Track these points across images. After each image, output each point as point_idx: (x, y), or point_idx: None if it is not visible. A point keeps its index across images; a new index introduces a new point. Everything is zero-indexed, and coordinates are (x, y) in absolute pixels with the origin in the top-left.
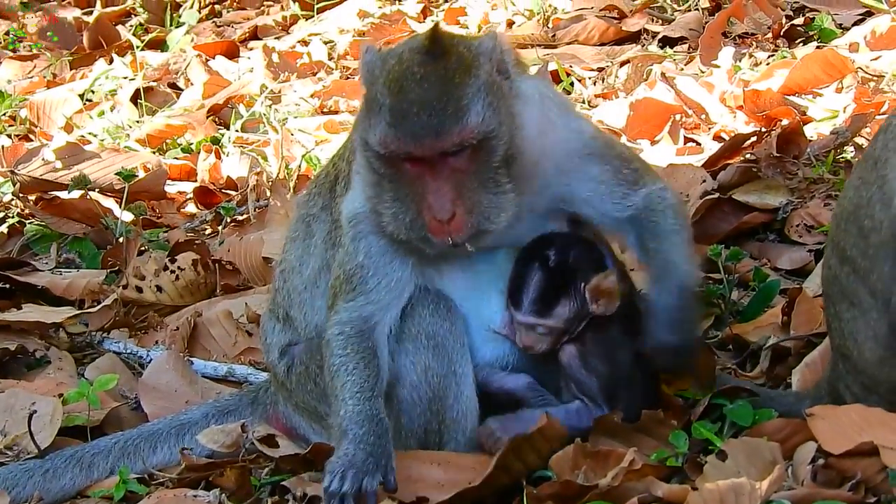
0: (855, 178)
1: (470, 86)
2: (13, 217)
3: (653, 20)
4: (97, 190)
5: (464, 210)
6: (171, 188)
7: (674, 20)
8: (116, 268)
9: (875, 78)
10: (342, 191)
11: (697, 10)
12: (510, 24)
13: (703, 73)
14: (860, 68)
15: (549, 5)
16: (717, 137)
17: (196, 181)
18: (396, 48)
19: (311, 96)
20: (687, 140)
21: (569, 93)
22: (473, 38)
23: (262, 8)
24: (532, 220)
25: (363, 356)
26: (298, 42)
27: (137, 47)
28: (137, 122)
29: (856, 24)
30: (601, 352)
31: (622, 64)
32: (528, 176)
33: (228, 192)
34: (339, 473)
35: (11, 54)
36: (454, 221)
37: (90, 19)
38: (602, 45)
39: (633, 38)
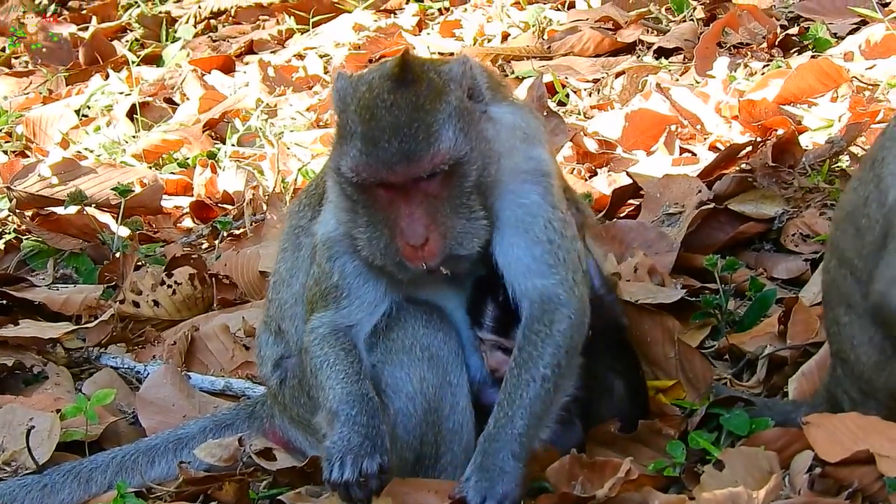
0: (854, 181)
1: (440, 111)
2: (10, 233)
3: (648, 31)
4: (94, 205)
5: (437, 235)
6: (168, 203)
7: (668, 31)
8: (113, 283)
9: (870, 87)
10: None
11: (692, 20)
12: (505, 36)
13: (698, 83)
14: (855, 77)
15: (545, 17)
16: (712, 147)
17: (192, 196)
18: (367, 75)
19: (307, 110)
20: (682, 150)
21: (564, 104)
22: (444, 64)
23: (258, 22)
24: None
25: (342, 348)
26: (294, 56)
27: (133, 62)
28: (133, 137)
29: (850, 33)
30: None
31: (617, 75)
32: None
33: (225, 206)
34: (338, 460)
35: (7, 70)
36: (427, 247)
37: (86, 35)
38: (597, 56)
39: (629, 49)
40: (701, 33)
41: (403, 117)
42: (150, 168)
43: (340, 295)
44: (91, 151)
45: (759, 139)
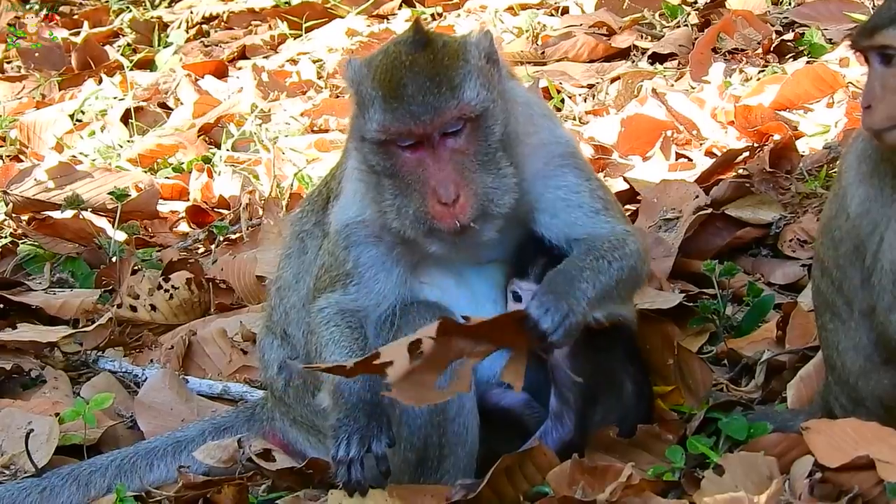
0: (831, 192)
1: (461, 67)
2: (6, 237)
3: (642, 37)
4: (90, 210)
5: (468, 191)
6: (164, 207)
7: (663, 36)
8: (110, 287)
9: None
10: (331, 207)
11: (687, 26)
12: (499, 41)
13: (693, 88)
14: (851, 83)
15: (539, 23)
16: (708, 153)
17: (188, 200)
18: (380, 48)
19: (301, 115)
20: (679, 156)
21: (559, 110)
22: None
23: (250, 27)
24: (513, 229)
25: (348, 326)
26: (287, 61)
27: (127, 67)
28: (128, 141)
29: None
30: (589, 355)
31: (612, 80)
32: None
33: (221, 210)
34: (345, 440)
35: (0, 75)
36: (459, 203)
37: (78, 40)
38: (591, 61)
39: (623, 54)
40: (695, 39)
41: (425, 73)
42: (146, 172)
43: (349, 282)
44: (86, 156)
45: (755, 145)
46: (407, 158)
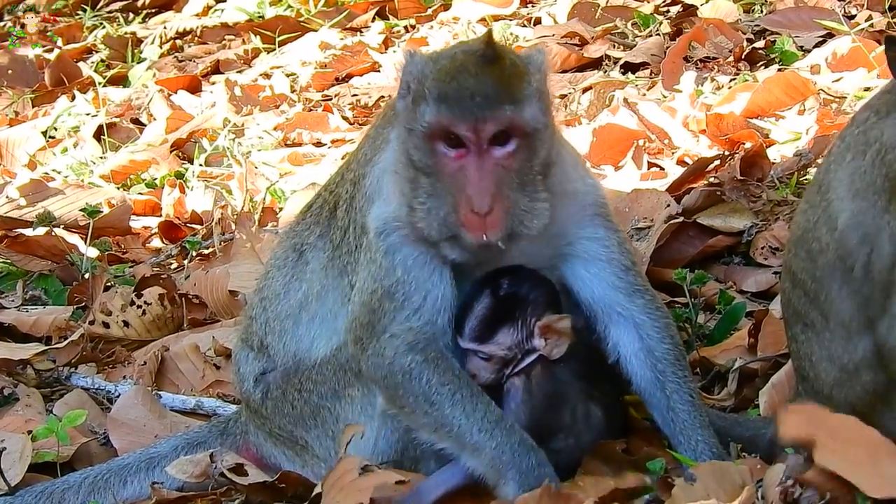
0: (803, 203)
1: (524, 87)
2: None
3: (614, 46)
4: (62, 226)
5: (501, 207)
6: (136, 223)
7: (635, 46)
8: (83, 304)
9: (837, 99)
10: (345, 215)
11: (658, 35)
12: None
13: (665, 97)
14: (822, 90)
15: (511, 33)
16: (680, 162)
17: (161, 216)
18: (446, 51)
19: (275, 129)
20: (651, 165)
21: None
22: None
23: (224, 42)
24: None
25: (451, 369)
26: (260, 75)
27: (99, 83)
28: (101, 157)
29: (817, 46)
30: (548, 390)
31: (584, 90)
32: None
33: (193, 226)
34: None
35: None
36: (491, 218)
37: (51, 57)
38: (564, 71)
39: (595, 64)
40: (667, 48)
41: (489, 83)
42: (118, 189)
43: (409, 290)
44: (59, 173)
45: (726, 153)
46: (450, 160)
